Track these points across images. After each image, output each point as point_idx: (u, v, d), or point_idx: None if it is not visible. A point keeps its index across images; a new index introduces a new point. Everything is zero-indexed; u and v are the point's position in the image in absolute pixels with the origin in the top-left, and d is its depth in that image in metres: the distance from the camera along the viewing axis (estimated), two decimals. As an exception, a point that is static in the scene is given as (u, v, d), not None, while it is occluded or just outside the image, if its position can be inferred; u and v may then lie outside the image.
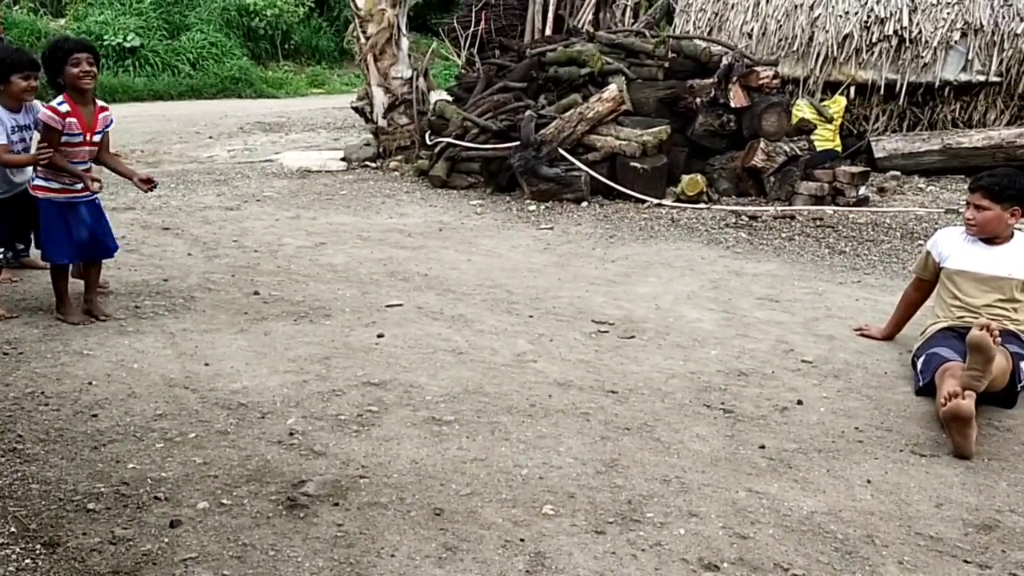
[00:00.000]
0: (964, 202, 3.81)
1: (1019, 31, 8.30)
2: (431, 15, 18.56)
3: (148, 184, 4.19)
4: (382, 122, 8.89)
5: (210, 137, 11.01)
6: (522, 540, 2.39)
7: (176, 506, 2.51)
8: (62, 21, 17.33)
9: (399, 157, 8.69)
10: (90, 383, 3.39)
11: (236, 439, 2.95)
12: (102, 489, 2.60)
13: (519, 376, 3.60)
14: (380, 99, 8.87)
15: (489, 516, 2.50)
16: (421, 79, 8.91)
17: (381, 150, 8.89)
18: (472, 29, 9.67)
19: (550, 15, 9.20)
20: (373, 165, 8.80)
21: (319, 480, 2.66)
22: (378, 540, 2.37)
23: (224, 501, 2.54)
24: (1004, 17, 8.39)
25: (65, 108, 3.92)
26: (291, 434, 2.99)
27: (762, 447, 3.03)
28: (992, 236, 3.74)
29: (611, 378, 3.63)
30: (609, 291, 4.92)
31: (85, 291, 4.22)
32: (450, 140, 7.85)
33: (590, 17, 9.18)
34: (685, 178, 7.30)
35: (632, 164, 7.27)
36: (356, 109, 9.44)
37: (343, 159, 9.07)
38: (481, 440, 2.99)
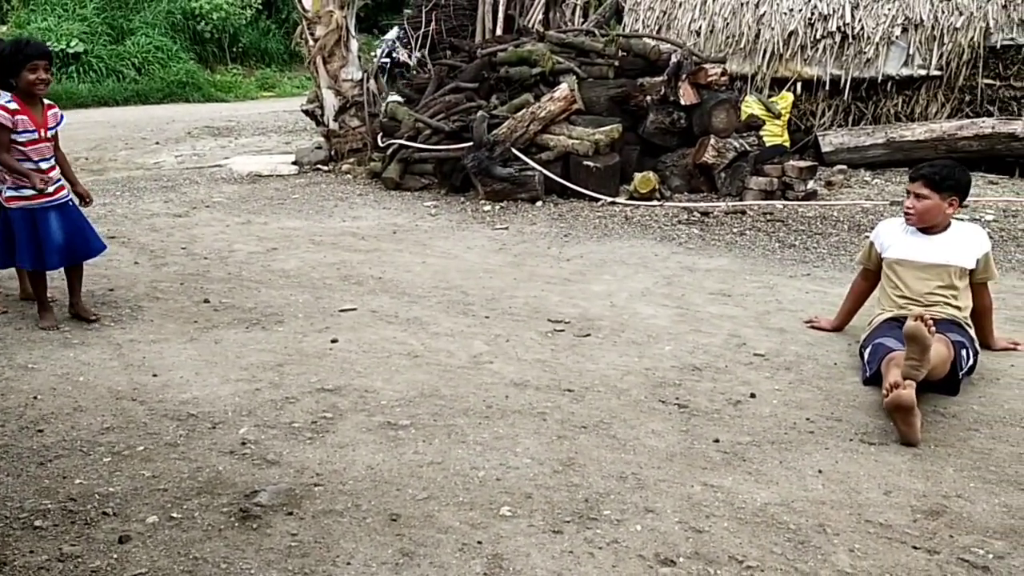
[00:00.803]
0: (906, 192, 3.91)
1: (958, 25, 8.50)
2: (381, 16, 18.45)
3: (85, 200, 4.20)
4: (333, 125, 8.81)
5: (157, 143, 10.82)
6: (480, 542, 2.38)
7: (125, 521, 2.46)
8: (3, 28, 16.90)
9: (351, 160, 8.63)
10: (35, 397, 3.30)
11: (186, 451, 2.89)
12: (49, 506, 2.53)
13: (475, 378, 3.59)
14: (331, 102, 8.80)
15: (446, 520, 2.49)
16: (372, 81, 8.85)
17: (333, 153, 8.82)
18: (423, 30, 9.62)
19: (500, 15, 9.20)
20: (325, 168, 8.71)
21: (272, 490, 2.63)
22: (333, 548, 2.34)
23: (174, 515, 2.50)
24: (943, 12, 8.58)
25: (14, 106, 3.90)
26: (243, 444, 2.94)
27: (716, 441, 3.06)
28: (930, 225, 3.83)
29: (567, 377, 3.64)
30: (564, 290, 4.94)
31: (70, 295, 4.22)
32: (402, 142, 7.81)
33: (540, 17, 9.19)
34: (638, 176, 7.36)
35: (585, 163, 7.30)
36: (307, 112, 9.35)
37: (294, 163, 8.97)
38: (438, 443, 2.97)
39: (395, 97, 8.68)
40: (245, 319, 4.27)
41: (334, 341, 3.94)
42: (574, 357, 3.88)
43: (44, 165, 4.01)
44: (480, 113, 7.38)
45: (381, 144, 8.17)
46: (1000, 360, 3.90)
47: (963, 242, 3.81)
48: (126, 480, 2.69)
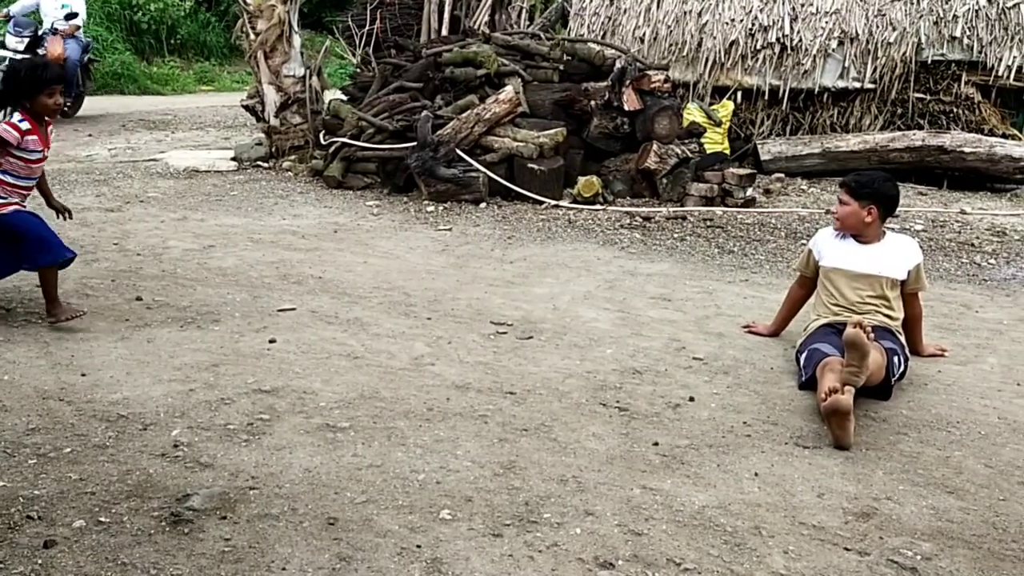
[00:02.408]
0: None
1: (891, 40, 8.76)
2: (325, 12, 18.23)
3: (62, 215, 4.39)
4: (274, 121, 8.66)
5: (89, 135, 10.49)
6: (418, 546, 2.35)
7: (50, 525, 2.37)
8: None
9: (292, 157, 8.49)
10: (-46, 397, 3.16)
11: (115, 453, 2.80)
12: (-33, 511, 2.43)
13: (416, 380, 3.55)
14: (272, 97, 8.65)
15: (385, 523, 2.46)
16: (315, 77, 8.72)
17: (274, 150, 8.67)
18: (367, 28, 9.51)
19: (446, 15, 9.15)
20: (265, 165, 8.56)
21: (205, 493, 2.56)
22: (268, 553, 2.29)
23: (102, 519, 2.41)
24: (877, 27, 8.83)
25: (26, 126, 3.92)
26: (175, 446, 2.86)
27: (656, 444, 3.09)
28: (855, 232, 3.95)
29: (509, 379, 3.63)
30: (507, 292, 4.93)
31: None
32: (345, 140, 7.71)
33: (486, 18, 9.17)
34: (581, 180, 7.40)
35: (529, 165, 7.31)
36: (247, 107, 9.17)
37: (233, 159, 8.79)
38: (377, 446, 2.93)
39: (338, 95, 8.57)
40: (179, 318, 4.16)
41: (272, 341, 3.86)
42: (516, 360, 3.87)
43: (29, 184, 4.08)
44: (425, 113, 7.34)
45: (323, 142, 8.05)
46: (928, 366, 4.02)
47: (895, 253, 3.93)
48: (52, 483, 2.59)
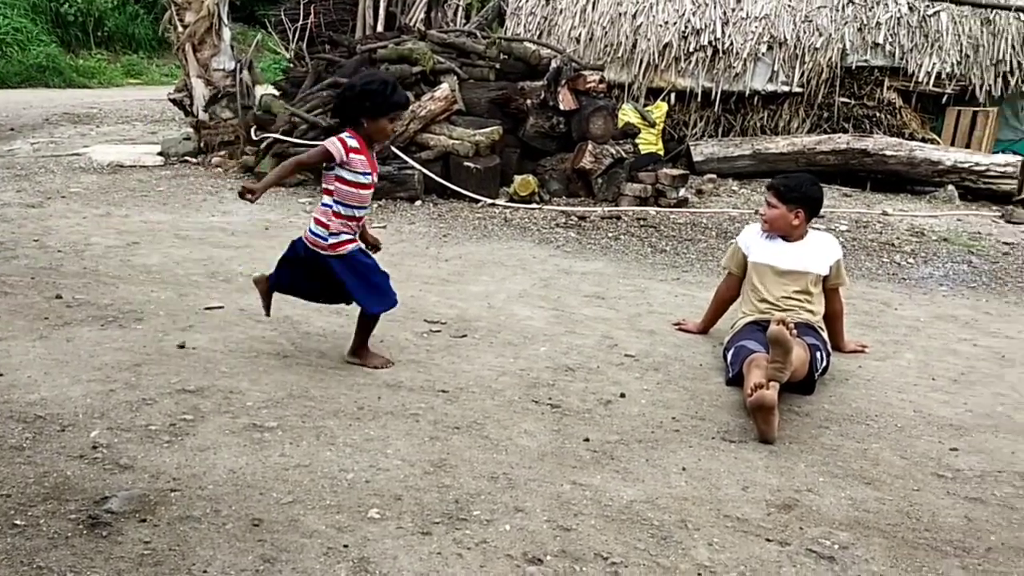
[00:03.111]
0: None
1: (818, 46, 8.99)
2: (258, 6, 17.91)
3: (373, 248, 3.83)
4: (203, 115, 8.48)
5: (11, 129, 10.13)
6: (345, 546, 2.33)
7: (-42, 532, 2.27)
8: None
9: (222, 152, 8.32)
10: None
11: (32, 455, 2.70)
12: None
13: (347, 378, 3.52)
14: (200, 91, 8.46)
15: (311, 523, 2.42)
16: (245, 71, 8.56)
17: (203, 145, 8.48)
18: (301, 22, 9.37)
19: (381, 12, 9.07)
20: (194, 161, 8.37)
21: (124, 495, 2.49)
22: (189, 556, 2.24)
23: (18, 522, 2.33)
24: (805, 32, 9.06)
25: (353, 143, 3.48)
26: (94, 447, 2.77)
27: (587, 440, 3.11)
28: (782, 233, 4.04)
29: (442, 377, 3.62)
30: (442, 290, 4.91)
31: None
32: (277, 136, 7.59)
33: (422, 16, 9.13)
34: (517, 178, 7.42)
35: (465, 164, 7.30)
36: (174, 101, 8.95)
37: (160, 154, 8.58)
38: (305, 446, 2.89)
39: (271, 89, 8.43)
40: (101, 316, 4.04)
41: (181, 346, 3.68)
42: (449, 358, 3.86)
43: (361, 214, 3.60)
44: (359, 110, 7.26)
45: (255, 137, 7.91)
46: (849, 362, 4.14)
47: (817, 250, 4.04)
48: (-40, 488, 2.49)
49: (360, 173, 3.50)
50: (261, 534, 2.36)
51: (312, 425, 3.05)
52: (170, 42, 9.45)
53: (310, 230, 3.57)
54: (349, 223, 3.55)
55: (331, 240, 3.53)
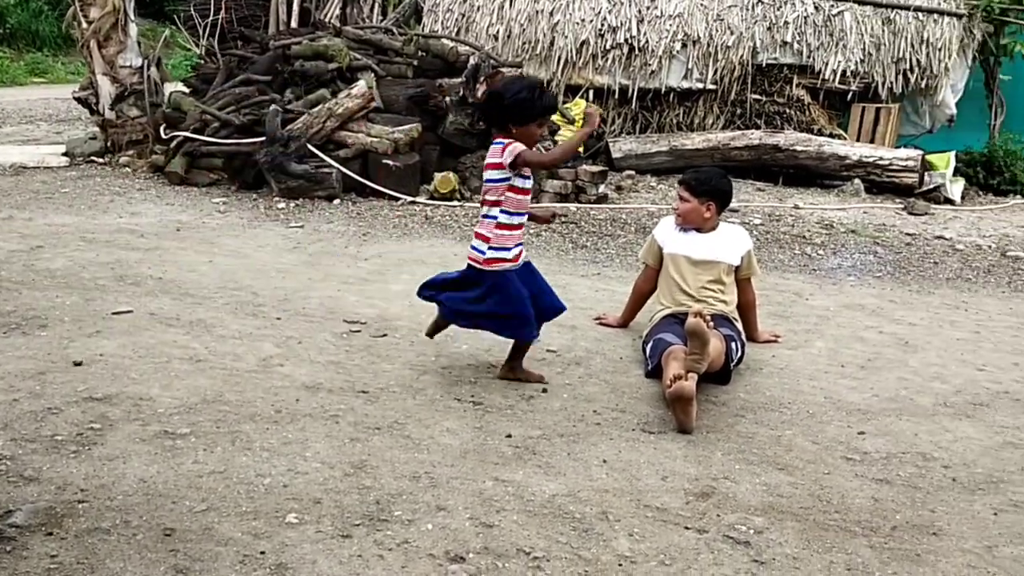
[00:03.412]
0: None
1: (730, 44, 9.21)
2: (167, 2, 17.36)
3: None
4: (110, 114, 8.17)
5: (-101, 127, 9.59)
6: (262, 553, 2.27)
7: None
8: None
9: (131, 152, 8.04)
10: None
11: (-76, 472, 2.56)
12: None
13: (264, 382, 3.44)
14: (106, 89, 8.16)
15: (227, 531, 2.36)
16: (153, 68, 8.29)
17: (110, 144, 8.18)
18: (211, 18, 9.13)
19: (295, 7, 8.91)
20: (100, 161, 8.07)
21: (29, 508, 2.38)
22: (98, 569, 2.15)
23: (-93, 545, 2.20)
24: (717, 31, 9.27)
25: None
26: (-6, 461, 2.65)
27: (509, 436, 3.12)
28: (695, 226, 4.15)
29: (362, 378, 3.57)
30: (362, 290, 4.86)
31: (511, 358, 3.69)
32: (188, 134, 7.38)
33: (337, 12, 9.00)
34: (438, 176, 7.38)
35: (384, 161, 7.23)
36: (80, 100, 8.61)
37: (65, 154, 8.24)
38: (220, 451, 2.82)
39: (181, 87, 8.19)
40: (3, 324, 3.85)
41: (77, 364, 3.45)
42: (370, 358, 3.82)
43: (523, 221, 3.54)
44: (273, 107, 7.11)
45: (164, 136, 7.67)
46: (763, 351, 4.25)
47: (729, 241, 4.17)
48: None
49: (527, 178, 3.50)
50: (174, 544, 2.29)
51: (227, 430, 2.97)
52: (75, 39, 9.08)
53: (472, 247, 3.56)
54: (513, 233, 3.51)
55: (489, 254, 3.51)
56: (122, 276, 4.74)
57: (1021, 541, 2.62)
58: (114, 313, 4.09)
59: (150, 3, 17.58)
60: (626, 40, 9.30)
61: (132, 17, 8.34)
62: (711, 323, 3.41)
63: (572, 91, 9.48)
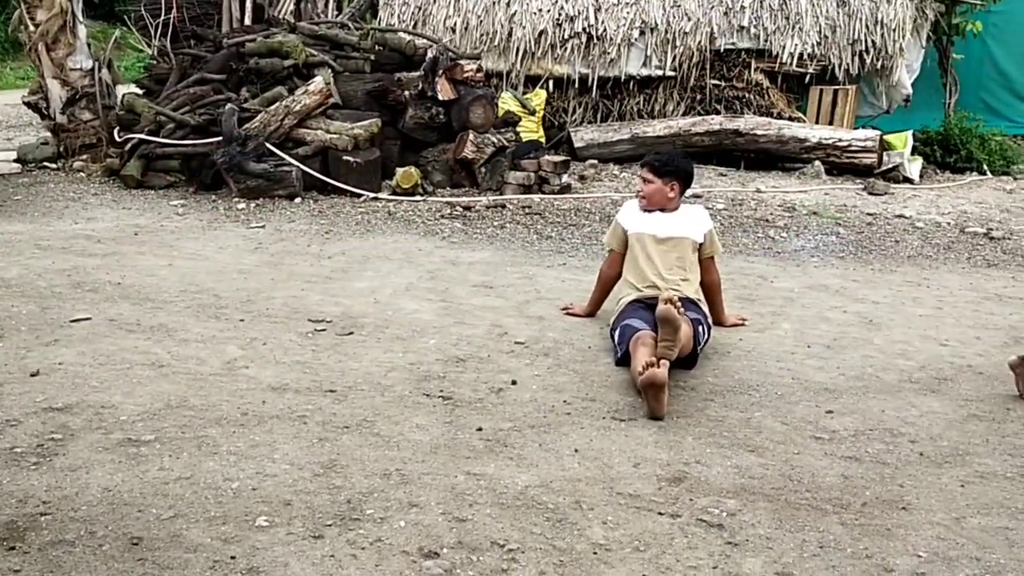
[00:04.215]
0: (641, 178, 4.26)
1: (688, 30, 9.24)
2: (117, 2, 17.03)
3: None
4: (61, 118, 7.99)
5: None
6: (233, 558, 2.24)
7: None
8: None
9: (84, 156, 7.87)
10: None
11: None
12: None
13: (229, 384, 3.38)
14: (57, 92, 7.98)
15: (195, 537, 2.32)
16: (104, 70, 8.12)
17: (62, 149, 8.00)
18: (163, 17, 8.96)
19: (248, 4, 8.77)
20: (53, 166, 7.89)
21: (-12, 525, 2.32)
22: (62, 584, 2.10)
23: None
24: (674, 17, 9.29)
25: None
26: (-50, 477, 2.57)
27: (479, 429, 3.10)
28: (659, 206, 4.23)
29: (329, 377, 3.53)
30: (326, 288, 4.80)
31: None
32: (143, 136, 7.24)
33: (291, 8, 8.87)
34: (399, 171, 7.32)
35: (345, 158, 7.16)
36: (29, 104, 8.41)
37: (17, 160, 8.05)
38: (186, 457, 2.77)
39: (134, 88, 8.03)
40: (-45, 336, 3.75)
41: (35, 374, 3.38)
42: (336, 356, 3.77)
43: None
44: (229, 106, 7.00)
45: (119, 139, 7.51)
46: (731, 335, 4.28)
47: (692, 220, 4.26)
48: None
49: None
50: (141, 553, 2.24)
51: (193, 435, 2.92)
52: (22, 43, 8.86)
53: None
54: None
55: None
56: (79, 283, 4.64)
57: (988, 511, 2.66)
58: (72, 321, 4.01)
59: (99, 4, 17.23)
60: (584, 29, 9.28)
61: (80, 19, 8.16)
62: (681, 308, 3.42)
63: (532, 81, 9.45)
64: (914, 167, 8.89)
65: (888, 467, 2.95)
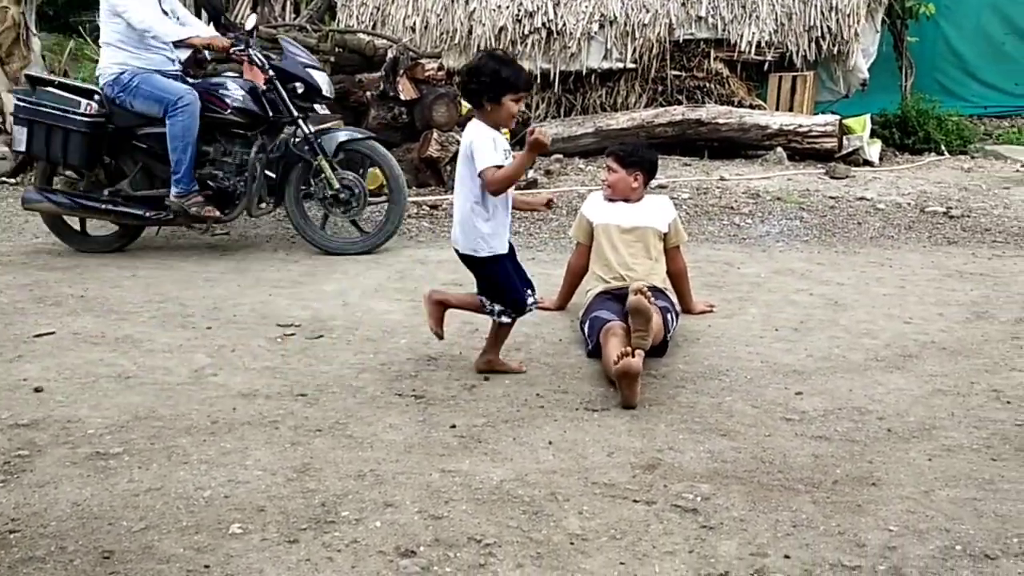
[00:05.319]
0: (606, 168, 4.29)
1: (646, 22, 9.29)
2: (72, 13, 16.77)
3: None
4: (18, 132, 7.85)
5: None
6: (207, 567, 2.21)
7: None
8: None
9: (44, 170, 7.74)
10: None
11: None
12: None
13: (198, 393, 3.35)
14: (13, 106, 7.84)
15: (168, 548, 2.29)
16: (61, 81, 7.98)
17: (20, 163, 7.86)
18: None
19: (205, 10, 8.68)
20: (12, 181, 7.75)
21: (-46, 546, 2.28)
22: (33, 601, 2.07)
23: None
24: (633, 9, 9.33)
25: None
26: (-86, 499, 2.52)
27: (453, 426, 3.10)
28: (623, 196, 4.26)
29: (300, 381, 3.51)
30: (294, 292, 4.77)
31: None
32: (103, 147, 7.12)
33: (248, 12, 8.81)
34: (364, 172, 7.28)
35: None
36: (-16, 118, 8.26)
37: (-27, 176, 7.89)
38: (156, 468, 2.73)
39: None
40: (-86, 357, 3.68)
41: None
42: (306, 360, 3.75)
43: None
44: (189, 113, 6.91)
45: (78, 151, 7.39)
46: (699, 321, 4.31)
47: (656, 209, 4.29)
48: None
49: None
50: (113, 566, 2.21)
51: (162, 446, 2.89)
52: (-25, 56, 8.70)
53: None
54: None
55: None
56: (41, 297, 4.57)
57: (956, 484, 2.71)
58: (35, 336, 3.95)
59: (54, 16, 16.95)
60: (544, 24, 9.30)
61: (34, 31, 8.05)
62: (651, 299, 3.44)
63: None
64: (873, 150, 9.01)
65: (857, 444, 2.99)
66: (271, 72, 5.46)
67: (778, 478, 2.74)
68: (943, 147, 9.56)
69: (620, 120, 9.13)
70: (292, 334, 4.08)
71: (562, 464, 2.81)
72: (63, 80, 5.66)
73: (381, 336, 4.08)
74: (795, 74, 9.38)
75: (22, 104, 5.40)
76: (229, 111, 5.44)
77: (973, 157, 9.40)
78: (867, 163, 8.83)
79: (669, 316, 3.81)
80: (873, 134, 9.30)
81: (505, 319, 3.57)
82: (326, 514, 2.49)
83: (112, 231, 5.74)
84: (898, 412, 3.27)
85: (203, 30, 5.76)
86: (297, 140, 5.61)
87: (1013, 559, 2.30)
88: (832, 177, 8.16)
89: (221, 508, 2.50)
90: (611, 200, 4.27)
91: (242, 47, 5.45)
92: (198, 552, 2.28)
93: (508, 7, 9.34)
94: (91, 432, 2.98)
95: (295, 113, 5.53)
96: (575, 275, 4.42)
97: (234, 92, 5.48)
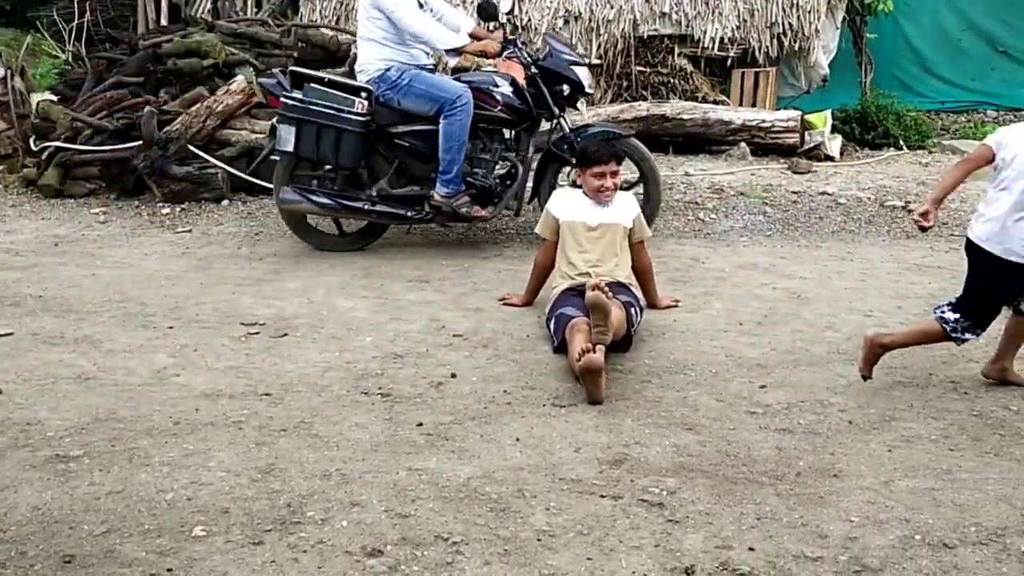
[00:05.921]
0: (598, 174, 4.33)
1: (611, 18, 9.31)
2: (29, 8, 16.42)
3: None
4: (-28, 129, 7.68)
5: None
6: (170, 570, 2.19)
7: None
8: None
9: (0, 167, 7.58)
10: None
11: None
12: None
13: (160, 394, 3.31)
14: (-33, 103, 7.66)
15: (130, 552, 2.26)
16: (17, 78, 7.83)
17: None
18: (77, 21, 8.67)
19: (164, 4, 8.56)
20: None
21: (-92, 555, 2.23)
22: (-9, 609, 2.04)
23: None
24: (597, 5, 9.34)
25: None
26: None
27: (420, 424, 3.09)
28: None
29: (264, 380, 3.48)
30: (258, 290, 4.72)
31: None
32: (59, 144, 6.99)
33: (208, 6, 8.68)
34: (328, 169, 7.22)
35: (273, 158, 7.02)
36: (-63, 115, 8.06)
37: (-74, 174, 7.70)
38: (117, 471, 2.70)
39: (48, 95, 7.76)
40: None
41: None
42: (271, 359, 3.72)
43: None
44: (148, 109, 6.81)
45: (35, 148, 7.24)
46: (665, 316, 4.34)
47: (620, 206, 4.30)
48: None
49: None
50: (74, 571, 2.18)
51: (123, 448, 2.85)
52: (-74, 51, 8.49)
53: None
54: None
55: None
56: (-2, 298, 4.48)
57: (915, 474, 2.76)
58: (-9, 337, 3.87)
59: (10, 11, 16.58)
60: (508, 20, 9.27)
61: (-12, 24, 7.85)
62: (610, 293, 3.46)
63: (462, 72, 9.41)
64: (834, 145, 9.12)
65: (820, 437, 3.03)
66: (534, 69, 5.35)
67: (743, 471, 2.77)
68: (902, 142, 9.70)
69: (586, 116, 9.12)
70: (256, 333, 4.04)
71: (529, 461, 2.82)
72: (332, 77, 5.33)
73: (346, 334, 4.06)
74: (757, 70, 9.46)
75: (291, 103, 5.15)
76: (499, 108, 5.32)
77: (931, 152, 9.54)
78: (828, 158, 8.93)
79: (633, 311, 3.83)
80: (834, 129, 9.41)
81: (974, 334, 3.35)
82: (291, 515, 2.47)
83: (357, 228, 5.64)
84: (859, 404, 3.32)
85: (464, 22, 5.66)
86: (556, 137, 5.50)
87: (971, 548, 2.35)
88: (794, 172, 8.24)
89: (184, 510, 2.47)
90: (577, 196, 4.29)
91: (511, 50, 5.35)
92: (161, 555, 2.25)
93: (473, 2, 9.30)
94: (51, 435, 2.93)
95: (556, 111, 5.41)
96: (542, 271, 4.42)
97: (504, 89, 5.37)
